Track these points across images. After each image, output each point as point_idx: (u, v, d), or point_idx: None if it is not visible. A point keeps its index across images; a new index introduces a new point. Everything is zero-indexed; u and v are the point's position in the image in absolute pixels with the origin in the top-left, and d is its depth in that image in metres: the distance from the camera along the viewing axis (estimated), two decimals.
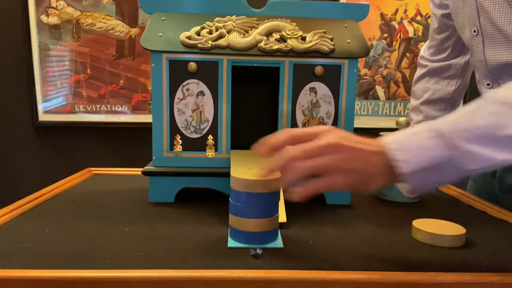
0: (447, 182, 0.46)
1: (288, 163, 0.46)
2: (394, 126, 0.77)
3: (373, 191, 0.46)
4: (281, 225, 0.61)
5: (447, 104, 0.96)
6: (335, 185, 0.46)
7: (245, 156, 0.70)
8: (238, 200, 0.53)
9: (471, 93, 1.55)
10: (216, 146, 0.71)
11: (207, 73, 0.69)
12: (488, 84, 0.75)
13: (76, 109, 1.58)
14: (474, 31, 0.72)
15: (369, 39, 1.61)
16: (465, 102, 1.04)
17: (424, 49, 0.99)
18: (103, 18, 1.54)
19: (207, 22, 0.70)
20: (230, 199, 0.55)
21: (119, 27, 1.55)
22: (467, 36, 0.76)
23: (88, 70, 1.56)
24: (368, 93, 1.65)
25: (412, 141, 0.45)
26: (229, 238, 0.55)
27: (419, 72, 0.99)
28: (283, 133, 0.48)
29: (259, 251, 0.50)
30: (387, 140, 0.46)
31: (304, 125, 0.72)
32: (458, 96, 0.97)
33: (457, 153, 0.43)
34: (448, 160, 0.43)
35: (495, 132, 0.42)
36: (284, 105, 0.71)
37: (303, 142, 0.46)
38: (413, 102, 1.00)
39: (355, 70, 0.71)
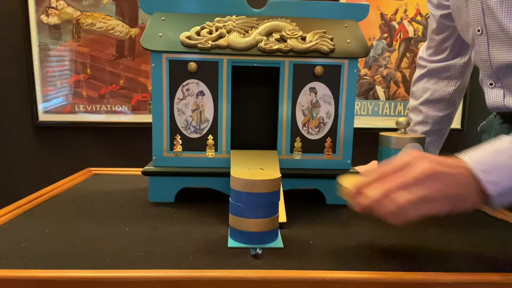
0: None
1: (385, 197, 0.45)
2: (394, 126, 0.77)
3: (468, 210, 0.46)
4: (281, 225, 0.61)
5: (447, 104, 0.96)
6: (434, 213, 0.45)
7: (245, 156, 0.70)
8: (238, 200, 0.53)
9: (470, 93, 1.55)
10: (216, 146, 0.71)
11: (207, 73, 0.69)
12: (491, 84, 0.75)
13: (76, 109, 1.58)
14: (478, 30, 0.72)
15: (369, 39, 1.61)
16: (464, 102, 1.04)
17: (423, 50, 0.99)
18: (103, 18, 1.54)
19: (207, 22, 0.70)
20: (230, 199, 0.55)
21: (119, 27, 1.55)
22: (470, 36, 0.76)
23: (88, 70, 1.56)
24: (368, 93, 1.65)
25: (496, 161, 0.44)
26: (229, 238, 0.55)
27: (418, 72, 0.99)
28: (372, 174, 0.47)
29: (259, 251, 0.50)
30: (471, 160, 0.45)
31: (304, 125, 0.72)
32: (458, 97, 0.97)
33: None
34: None
35: None
36: (284, 105, 0.71)
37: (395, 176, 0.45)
38: (412, 102, 1.00)
39: (355, 70, 0.71)
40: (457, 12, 0.78)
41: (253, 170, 0.57)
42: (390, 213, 0.45)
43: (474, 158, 0.46)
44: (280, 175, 0.54)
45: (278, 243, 0.54)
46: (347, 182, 0.51)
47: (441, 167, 0.45)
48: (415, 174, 0.44)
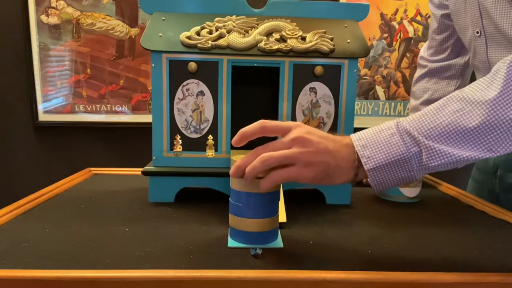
0: (411, 179, 0.47)
1: (252, 155, 0.48)
2: None
3: (337, 184, 0.49)
4: (281, 225, 0.61)
5: None
6: (299, 176, 0.47)
7: None
8: (238, 200, 0.53)
9: None
10: (216, 146, 0.71)
11: (207, 73, 0.69)
12: None
13: (76, 109, 1.58)
14: (477, 32, 0.72)
15: (369, 39, 1.61)
16: None
17: (423, 50, 0.99)
18: (103, 18, 1.54)
19: (207, 22, 0.70)
20: (230, 199, 0.55)
21: (119, 27, 1.55)
22: (468, 37, 0.76)
23: (88, 70, 1.56)
24: (368, 93, 1.65)
25: (376, 138, 0.46)
26: (229, 238, 0.55)
27: (418, 72, 0.99)
28: (256, 125, 0.49)
29: (259, 251, 0.50)
30: (354, 137, 0.48)
31: None
32: None
33: (419, 150, 0.44)
34: (410, 156, 0.45)
35: (458, 129, 0.43)
36: (284, 105, 0.71)
37: (274, 134, 0.49)
38: (412, 102, 1.00)
39: (355, 70, 0.71)
40: (456, 14, 0.78)
41: None
42: (255, 169, 0.47)
43: (357, 134, 0.48)
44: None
45: (278, 243, 0.54)
46: (238, 157, 0.54)
47: (313, 136, 0.47)
48: (286, 139, 0.47)
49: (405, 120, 0.47)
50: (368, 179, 0.47)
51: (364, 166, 0.46)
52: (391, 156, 0.45)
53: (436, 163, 0.44)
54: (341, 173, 0.47)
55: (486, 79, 0.45)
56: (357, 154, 0.47)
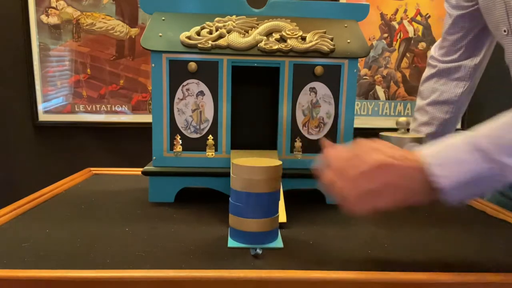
0: (486, 194, 0.46)
1: (332, 188, 0.47)
2: (394, 126, 0.77)
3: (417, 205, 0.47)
4: (281, 225, 0.61)
5: (454, 106, 0.94)
6: (384, 205, 0.46)
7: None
8: (238, 200, 0.53)
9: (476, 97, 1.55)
10: (216, 146, 0.71)
11: (207, 73, 0.69)
12: None
13: (76, 109, 1.58)
14: (504, 30, 0.71)
15: (369, 39, 1.61)
16: (470, 106, 1.03)
17: (434, 49, 0.97)
18: (103, 18, 1.54)
19: (207, 22, 0.70)
20: (230, 199, 0.55)
21: (119, 27, 1.55)
22: (498, 35, 0.75)
23: (88, 70, 1.56)
24: (368, 93, 1.65)
25: (450, 155, 0.44)
26: (229, 238, 0.55)
27: (427, 72, 0.98)
28: (325, 162, 0.49)
29: (259, 251, 0.50)
30: (425, 154, 0.45)
31: (304, 125, 0.72)
32: (465, 99, 0.95)
33: (496, 167, 0.42)
34: (487, 174, 0.43)
35: None
36: (284, 105, 0.71)
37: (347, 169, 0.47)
38: (419, 102, 0.99)
39: (355, 70, 0.71)
40: (486, 11, 0.77)
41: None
42: (340, 205, 0.47)
43: (427, 151, 0.46)
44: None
45: (278, 243, 0.54)
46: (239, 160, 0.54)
47: (390, 159, 0.45)
48: (362, 168, 0.45)
49: (476, 135, 0.45)
50: (444, 198, 0.45)
51: (440, 185, 0.44)
52: (468, 174, 0.43)
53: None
54: (417, 194, 0.46)
55: None
56: (429, 173, 0.44)
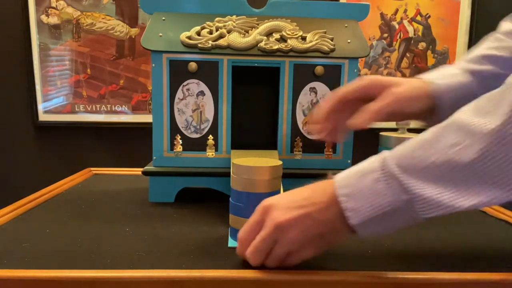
0: (403, 228, 0.39)
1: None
2: (394, 126, 0.77)
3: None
4: None
5: None
6: (304, 258, 0.44)
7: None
8: (238, 200, 0.53)
9: None
10: (216, 146, 0.71)
11: (207, 73, 0.69)
12: None
13: (76, 109, 1.58)
14: None
15: (369, 39, 1.61)
16: None
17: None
18: (103, 18, 1.54)
19: (208, 22, 0.70)
20: (230, 199, 0.55)
21: (119, 27, 1.55)
22: None
23: (88, 70, 1.56)
24: None
25: (361, 184, 0.39)
26: (229, 238, 0.55)
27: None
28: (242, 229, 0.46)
29: None
30: (338, 183, 0.40)
31: (304, 125, 0.72)
32: None
33: (410, 199, 0.37)
34: (400, 208, 0.37)
35: (456, 170, 0.35)
36: (284, 105, 0.71)
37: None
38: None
39: (355, 70, 0.71)
40: None
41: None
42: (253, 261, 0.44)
43: (340, 178, 0.41)
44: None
45: None
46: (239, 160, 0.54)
47: (291, 212, 0.41)
48: (263, 235, 0.42)
49: (391, 157, 0.39)
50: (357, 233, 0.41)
51: (349, 221, 0.39)
52: (378, 209, 0.37)
53: (431, 215, 0.36)
54: (337, 234, 0.42)
55: (496, 96, 0.36)
56: (341, 207, 0.39)
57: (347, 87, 0.52)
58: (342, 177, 0.41)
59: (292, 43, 0.69)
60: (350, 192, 0.39)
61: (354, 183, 0.39)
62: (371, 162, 0.40)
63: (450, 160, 0.35)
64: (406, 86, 0.51)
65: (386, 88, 0.51)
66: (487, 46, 0.58)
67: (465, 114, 0.36)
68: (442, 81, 0.52)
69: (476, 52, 0.57)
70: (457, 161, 0.35)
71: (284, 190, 0.68)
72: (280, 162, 0.54)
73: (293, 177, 0.72)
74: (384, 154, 0.40)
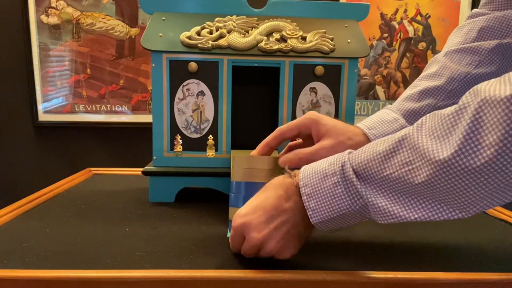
0: (357, 223, 0.44)
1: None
2: None
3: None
4: None
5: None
6: (291, 255, 0.46)
7: None
8: (238, 191, 0.54)
9: None
10: (216, 146, 0.71)
11: (207, 73, 0.69)
12: None
13: (76, 109, 1.58)
14: None
15: (369, 39, 1.61)
16: None
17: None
18: (103, 18, 1.54)
19: (208, 22, 0.70)
20: (230, 193, 0.55)
21: (119, 27, 1.55)
22: None
23: (88, 70, 1.56)
24: (368, 93, 1.65)
25: (321, 186, 0.42)
26: (228, 231, 0.55)
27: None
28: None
29: None
30: (302, 181, 0.44)
31: None
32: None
33: (366, 205, 0.40)
34: (356, 211, 0.41)
35: (407, 188, 0.38)
36: (284, 105, 0.71)
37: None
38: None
39: (355, 70, 0.71)
40: None
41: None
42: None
43: (306, 173, 0.44)
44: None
45: None
46: None
47: (265, 231, 0.44)
48: (247, 249, 0.46)
49: (351, 161, 0.41)
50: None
51: (310, 220, 0.43)
52: (335, 210, 0.41)
53: (383, 221, 0.40)
54: (307, 228, 0.45)
55: (449, 119, 0.36)
56: (304, 204, 0.43)
57: (287, 126, 0.56)
58: (306, 174, 0.44)
59: (292, 43, 0.69)
60: (311, 192, 0.42)
61: (315, 184, 0.43)
62: (333, 163, 0.42)
63: (402, 178, 0.38)
64: (333, 141, 0.53)
65: (321, 132, 0.54)
66: (424, 75, 0.62)
67: (419, 134, 0.38)
68: (375, 131, 0.55)
69: (414, 87, 0.61)
70: (408, 179, 0.37)
71: None
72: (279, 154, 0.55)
73: None
74: (345, 157, 0.42)
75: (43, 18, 1.52)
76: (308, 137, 0.56)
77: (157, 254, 0.50)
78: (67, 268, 0.44)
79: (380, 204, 0.39)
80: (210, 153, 0.71)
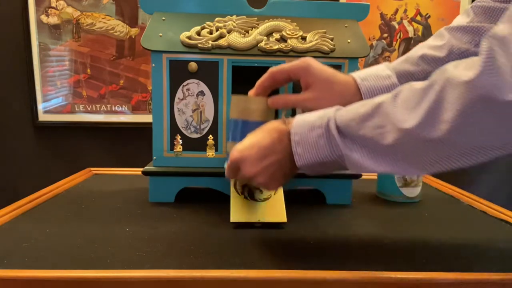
0: (336, 171, 0.52)
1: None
2: None
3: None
4: (281, 225, 0.61)
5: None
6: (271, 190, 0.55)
7: None
8: (235, 128, 0.58)
9: None
10: (216, 146, 0.71)
11: (207, 73, 0.69)
12: None
13: (76, 109, 1.58)
14: None
15: (369, 39, 1.61)
16: None
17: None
18: (103, 18, 1.54)
19: (208, 22, 0.70)
20: (228, 131, 0.60)
21: (119, 27, 1.55)
22: None
23: (88, 70, 1.56)
24: None
25: (308, 136, 0.48)
26: (225, 162, 0.57)
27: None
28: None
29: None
30: (293, 129, 0.49)
31: None
32: None
33: (342, 156, 0.46)
34: (334, 160, 0.47)
35: (376, 147, 0.44)
36: None
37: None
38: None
39: (355, 70, 0.71)
40: None
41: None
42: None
43: (297, 123, 0.50)
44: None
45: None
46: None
47: (258, 167, 0.50)
48: (240, 179, 0.55)
49: (336, 118, 0.47)
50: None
51: (296, 163, 0.49)
52: (316, 158, 0.48)
53: (355, 171, 0.47)
54: (291, 164, 0.50)
55: (418, 93, 0.41)
56: (292, 148, 0.49)
57: (278, 68, 0.58)
58: (297, 124, 0.50)
59: (292, 43, 0.69)
60: (299, 140, 0.49)
61: (303, 133, 0.49)
62: (321, 117, 0.48)
63: (374, 138, 0.44)
64: (317, 94, 0.57)
65: (308, 82, 0.57)
66: (429, 44, 0.64)
67: (393, 103, 0.43)
68: (367, 83, 0.58)
69: (416, 51, 0.64)
70: (378, 140, 0.43)
71: (284, 190, 0.68)
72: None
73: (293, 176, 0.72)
74: (330, 113, 0.48)
75: (43, 18, 1.52)
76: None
77: (157, 254, 0.50)
78: (67, 268, 0.44)
79: (354, 156, 0.46)
80: (210, 153, 0.71)
